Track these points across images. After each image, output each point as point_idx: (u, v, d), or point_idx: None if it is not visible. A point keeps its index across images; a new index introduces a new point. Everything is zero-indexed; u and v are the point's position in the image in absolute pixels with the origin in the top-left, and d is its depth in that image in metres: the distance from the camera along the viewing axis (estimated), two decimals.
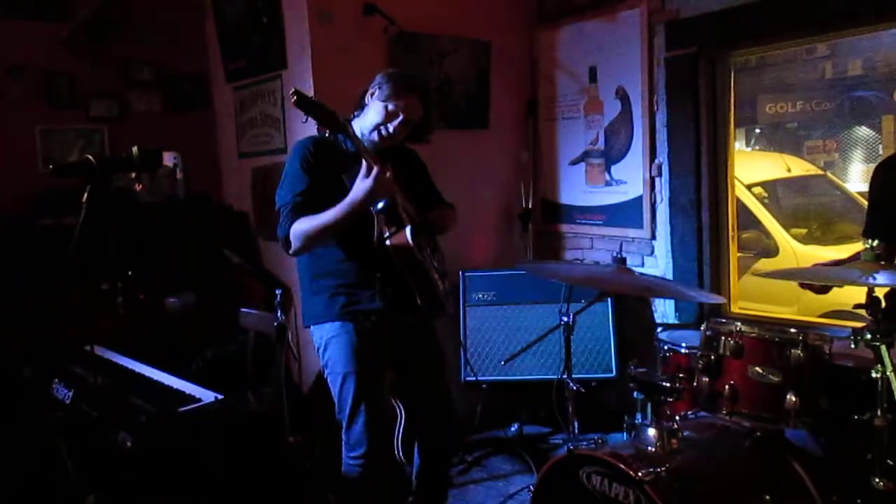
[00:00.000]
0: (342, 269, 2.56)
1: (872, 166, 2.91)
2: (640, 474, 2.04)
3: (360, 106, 2.60)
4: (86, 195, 2.03)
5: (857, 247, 2.32)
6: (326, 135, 2.44)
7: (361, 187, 2.34)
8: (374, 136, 2.53)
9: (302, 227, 2.41)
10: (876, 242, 2.20)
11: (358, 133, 2.53)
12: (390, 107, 2.49)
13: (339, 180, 2.46)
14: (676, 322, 3.86)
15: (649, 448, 2.23)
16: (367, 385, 2.54)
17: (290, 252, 2.48)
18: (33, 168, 3.90)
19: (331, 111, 2.36)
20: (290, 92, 2.33)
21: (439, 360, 2.81)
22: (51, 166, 2.24)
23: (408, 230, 2.46)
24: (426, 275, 2.56)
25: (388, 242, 2.46)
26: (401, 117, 2.50)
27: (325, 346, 2.58)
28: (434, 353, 2.79)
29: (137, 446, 2.37)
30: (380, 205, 2.43)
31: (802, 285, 2.72)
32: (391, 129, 2.51)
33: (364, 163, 2.36)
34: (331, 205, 2.40)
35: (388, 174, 2.35)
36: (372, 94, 2.54)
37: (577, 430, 2.76)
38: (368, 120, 2.54)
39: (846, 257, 2.63)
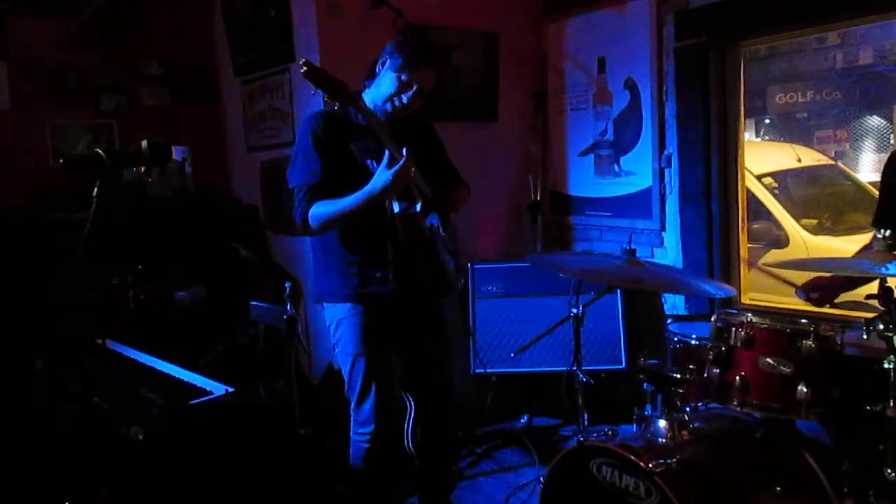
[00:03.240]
0: (354, 247, 2.56)
1: (884, 156, 2.90)
2: (650, 465, 2.04)
3: (372, 76, 2.56)
4: (96, 189, 2.03)
5: (868, 237, 2.31)
6: (336, 108, 2.40)
7: (382, 179, 2.32)
8: (388, 106, 2.50)
9: (320, 211, 2.41)
10: (888, 232, 2.19)
11: (370, 104, 2.51)
12: (404, 77, 2.45)
13: (351, 154, 2.45)
14: (686, 313, 3.84)
15: (660, 439, 2.23)
16: (377, 366, 2.56)
17: (311, 232, 2.49)
18: (44, 163, 3.92)
19: (341, 83, 2.32)
20: (301, 62, 2.29)
21: (446, 348, 2.81)
22: (61, 160, 2.25)
23: (418, 206, 2.47)
24: (434, 251, 2.57)
25: (396, 215, 2.48)
26: (415, 88, 2.46)
27: (337, 325, 2.61)
28: (441, 343, 2.80)
29: (149, 439, 2.38)
30: None
31: (799, 294, 2.68)
32: (405, 100, 2.48)
33: (387, 153, 2.33)
34: (343, 179, 2.40)
35: (412, 169, 2.33)
36: (384, 64, 2.50)
37: (586, 422, 2.77)
38: (382, 90, 2.50)
39: None
